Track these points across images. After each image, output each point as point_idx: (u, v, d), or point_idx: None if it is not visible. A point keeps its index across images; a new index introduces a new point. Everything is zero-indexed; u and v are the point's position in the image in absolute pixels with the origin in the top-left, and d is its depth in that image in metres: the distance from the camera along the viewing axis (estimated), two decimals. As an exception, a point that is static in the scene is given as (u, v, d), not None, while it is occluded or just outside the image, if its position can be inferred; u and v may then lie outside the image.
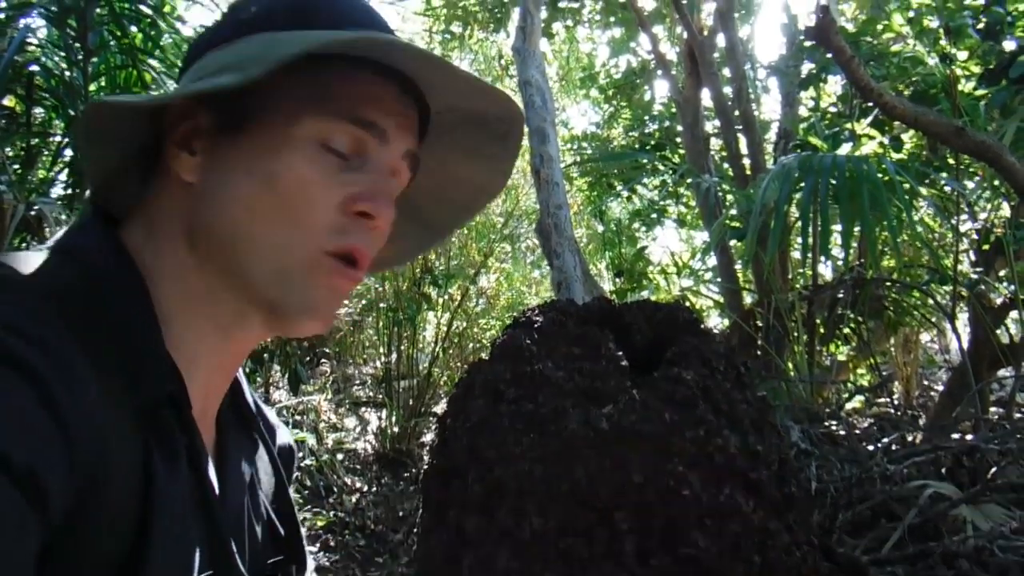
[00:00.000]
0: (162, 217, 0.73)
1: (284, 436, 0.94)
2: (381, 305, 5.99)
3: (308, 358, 6.09)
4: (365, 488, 4.57)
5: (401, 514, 4.18)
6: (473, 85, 0.74)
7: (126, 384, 0.61)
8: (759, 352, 4.15)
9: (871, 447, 2.86)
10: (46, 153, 3.87)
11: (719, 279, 5.60)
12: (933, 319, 5.04)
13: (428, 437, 5.57)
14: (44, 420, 0.52)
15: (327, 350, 6.54)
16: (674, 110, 7.16)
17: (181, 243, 0.71)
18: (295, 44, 0.67)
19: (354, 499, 4.36)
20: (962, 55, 5.03)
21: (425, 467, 2.06)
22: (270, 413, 0.93)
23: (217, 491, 0.71)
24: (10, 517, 0.48)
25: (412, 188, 0.82)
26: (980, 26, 4.82)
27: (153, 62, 3.62)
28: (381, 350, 6.29)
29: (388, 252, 0.86)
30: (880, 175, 3.33)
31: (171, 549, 0.63)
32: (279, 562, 0.83)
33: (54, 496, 0.51)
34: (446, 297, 6.13)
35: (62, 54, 3.40)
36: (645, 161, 7.57)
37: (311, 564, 0.90)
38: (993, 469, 2.44)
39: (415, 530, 3.89)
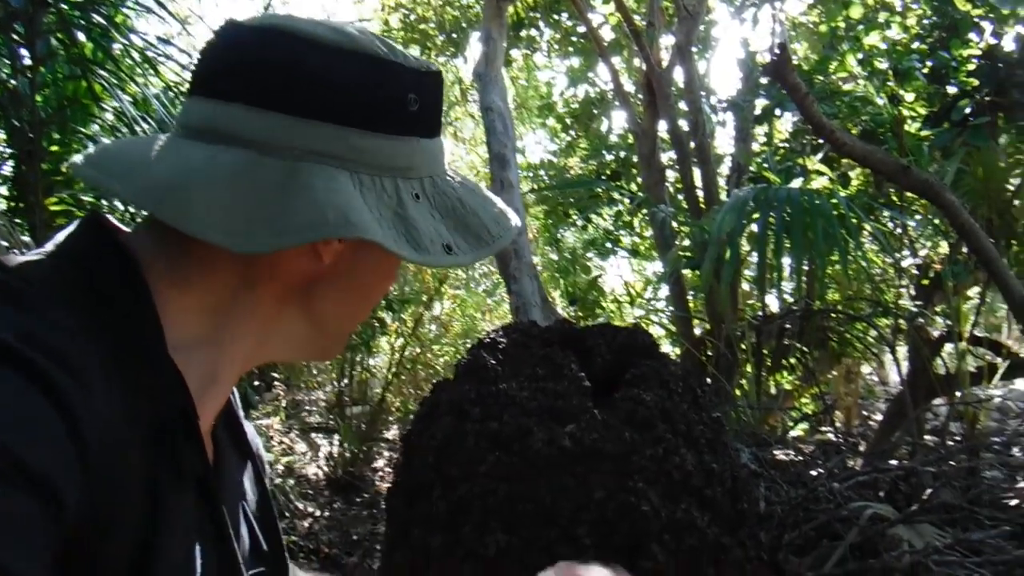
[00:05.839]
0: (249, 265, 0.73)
1: (256, 441, 0.94)
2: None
3: (257, 383, 6.03)
4: (317, 513, 4.55)
5: (355, 538, 4.18)
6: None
7: (139, 397, 0.62)
8: (709, 380, 4.25)
9: (815, 471, 2.96)
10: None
11: (671, 308, 5.70)
12: (875, 350, 5.20)
13: (380, 463, 5.56)
14: (61, 431, 0.53)
15: (276, 375, 6.47)
16: (631, 140, 7.28)
17: (269, 289, 0.73)
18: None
19: (307, 523, 4.34)
20: (909, 96, 5.25)
21: (389, 485, 2.09)
22: (245, 422, 0.93)
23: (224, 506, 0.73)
24: (27, 523, 0.49)
25: None
26: (926, 70, 5.05)
27: (104, 73, 3.38)
28: (332, 375, 6.26)
29: None
30: (832, 209, 3.43)
31: (177, 563, 0.64)
32: (260, 573, 0.82)
33: (68, 505, 0.52)
34: (400, 322, 6.14)
35: (7, 61, 3.18)
36: (601, 190, 7.69)
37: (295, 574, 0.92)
38: (928, 491, 2.58)
39: (374, 554, 3.89)
